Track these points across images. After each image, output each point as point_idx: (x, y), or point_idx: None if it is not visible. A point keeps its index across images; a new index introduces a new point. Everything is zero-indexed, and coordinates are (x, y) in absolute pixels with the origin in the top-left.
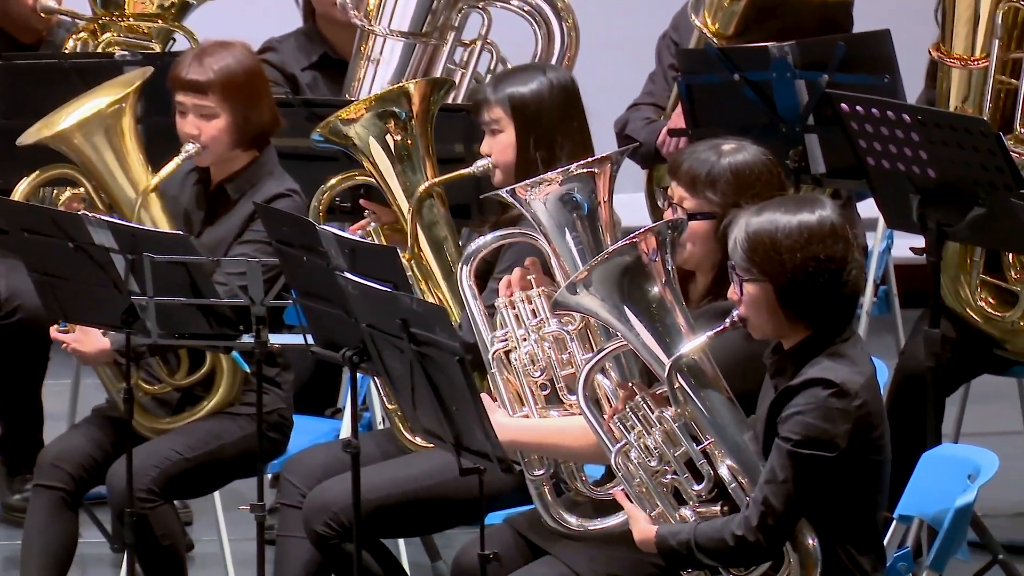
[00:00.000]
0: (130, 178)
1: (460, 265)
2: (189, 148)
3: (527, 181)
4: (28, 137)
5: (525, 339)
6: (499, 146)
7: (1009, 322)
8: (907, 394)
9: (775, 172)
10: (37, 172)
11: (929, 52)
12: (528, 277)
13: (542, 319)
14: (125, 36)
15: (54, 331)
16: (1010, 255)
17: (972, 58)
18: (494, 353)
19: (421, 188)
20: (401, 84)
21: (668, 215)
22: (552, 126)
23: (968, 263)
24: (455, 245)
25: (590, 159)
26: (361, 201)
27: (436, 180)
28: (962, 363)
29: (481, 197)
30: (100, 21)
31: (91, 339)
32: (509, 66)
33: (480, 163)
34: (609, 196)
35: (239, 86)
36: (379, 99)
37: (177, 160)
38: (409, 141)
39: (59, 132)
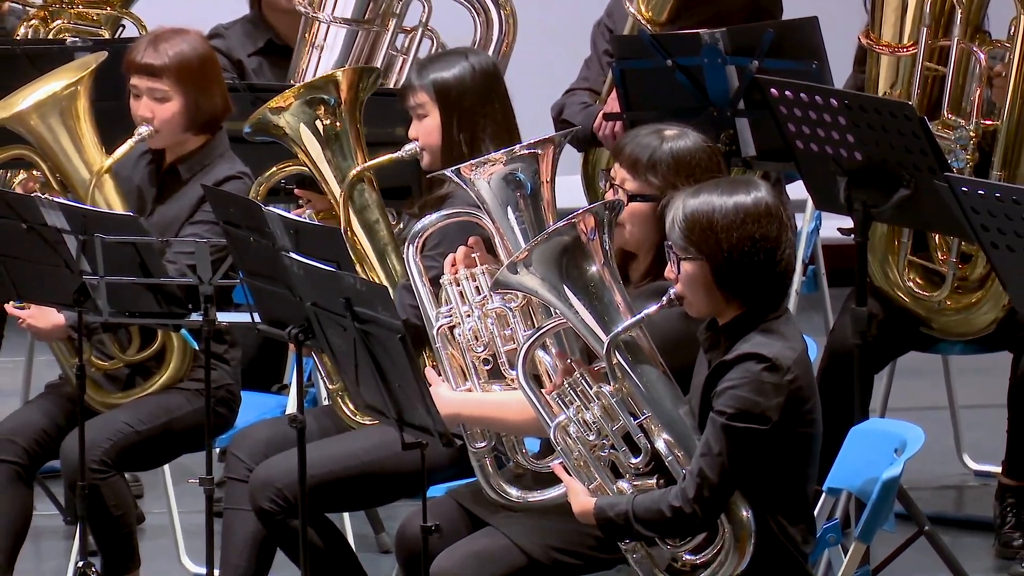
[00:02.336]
0: (84, 159)
1: (407, 244)
2: (143, 131)
3: (472, 161)
4: None
5: (469, 315)
6: (425, 130)
7: (936, 302)
8: (836, 371)
9: (715, 158)
10: None
11: (859, 39)
12: (472, 255)
13: (485, 296)
14: (75, 23)
15: (10, 307)
16: (937, 237)
17: (900, 45)
18: (439, 329)
19: (352, 173)
20: (329, 72)
21: (610, 196)
22: (474, 109)
23: (896, 244)
24: (387, 227)
25: (534, 140)
26: (296, 191)
27: (366, 165)
28: (890, 341)
29: (428, 176)
30: (50, 8)
31: (46, 316)
32: (434, 52)
33: (408, 147)
34: (552, 177)
35: (192, 71)
36: (308, 87)
37: (131, 142)
38: (339, 125)
39: (16, 113)
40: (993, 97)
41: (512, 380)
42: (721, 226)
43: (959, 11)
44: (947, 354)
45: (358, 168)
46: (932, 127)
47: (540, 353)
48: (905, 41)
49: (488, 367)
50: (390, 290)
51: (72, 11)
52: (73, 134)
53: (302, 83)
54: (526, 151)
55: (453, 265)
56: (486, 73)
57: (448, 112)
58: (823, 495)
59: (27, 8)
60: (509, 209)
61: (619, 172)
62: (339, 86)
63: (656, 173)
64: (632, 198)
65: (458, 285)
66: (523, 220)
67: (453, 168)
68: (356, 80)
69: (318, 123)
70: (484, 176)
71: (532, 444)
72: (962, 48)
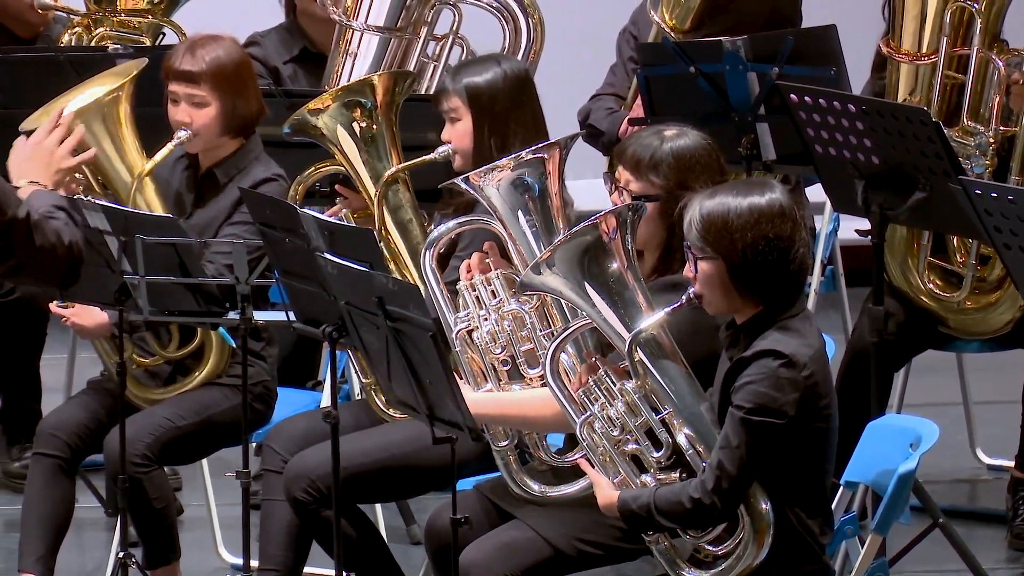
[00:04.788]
0: (126, 163)
1: (423, 251)
2: (181, 135)
3: (480, 169)
4: (30, 123)
5: (486, 318)
6: (457, 133)
7: (955, 302)
8: (857, 368)
9: (715, 156)
10: None
11: (879, 46)
12: (486, 260)
13: (501, 299)
14: (117, 31)
15: (54, 306)
16: (955, 239)
17: (920, 54)
18: (457, 333)
19: (386, 174)
20: (366, 76)
21: (615, 198)
22: (505, 114)
23: (916, 247)
24: (420, 227)
25: (538, 145)
26: (337, 187)
27: (400, 166)
28: (909, 340)
29: (439, 187)
30: (94, 16)
31: (90, 314)
32: (468, 58)
33: (441, 150)
34: (560, 180)
35: (228, 77)
36: (345, 90)
37: (170, 146)
38: (375, 128)
39: None
40: (1011, 104)
41: (531, 379)
42: (736, 226)
43: (978, 20)
44: (962, 352)
45: (393, 169)
46: (952, 133)
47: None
48: (924, 49)
49: (507, 368)
50: (421, 289)
51: (115, 19)
52: (115, 138)
53: (339, 86)
54: (532, 156)
55: (468, 271)
56: (517, 79)
57: (480, 116)
58: (841, 488)
59: (71, 16)
60: (520, 213)
61: (623, 174)
62: (375, 89)
63: (658, 173)
64: (636, 199)
65: (474, 290)
66: (533, 223)
67: (462, 176)
68: (392, 84)
69: (355, 125)
70: (493, 182)
71: (554, 440)
72: (981, 56)
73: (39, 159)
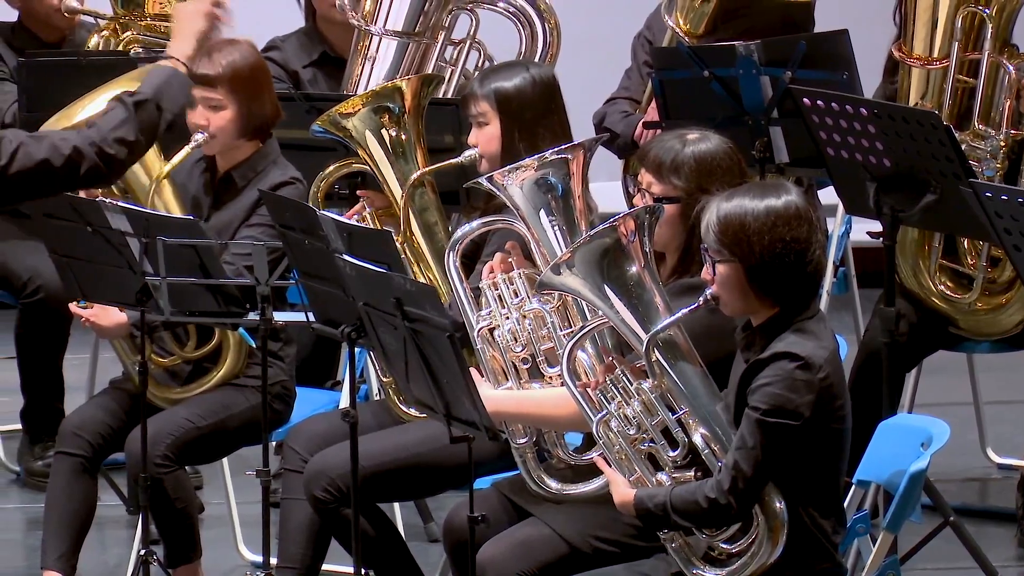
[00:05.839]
0: (144, 164)
1: (447, 251)
2: (198, 137)
3: (504, 168)
4: (50, 125)
5: (507, 317)
6: (485, 137)
7: (966, 303)
8: (869, 368)
9: (735, 159)
10: None
11: (891, 51)
12: (509, 260)
13: (523, 299)
14: (144, 34)
15: (74, 307)
16: (966, 242)
17: (931, 59)
18: (479, 331)
19: (413, 177)
20: (394, 81)
21: (638, 200)
22: (534, 119)
23: (927, 249)
24: (444, 229)
25: (563, 146)
26: (358, 192)
27: (427, 169)
28: (921, 341)
29: (464, 186)
30: (121, 20)
31: (108, 314)
32: (495, 63)
33: (468, 153)
34: (583, 181)
35: (244, 80)
36: (375, 95)
37: (187, 149)
38: (403, 134)
39: (78, 123)
40: (1021, 108)
41: (550, 378)
42: (753, 229)
43: (988, 25)
44: (973, 352)
45: (419, 172)
46: (963, 136)
47: (578, 352)
48: (935, 54)
49: (527, 366)
50: (444, 290)
51: (141, 23)
52: None
53: (369, 90)
54: (556, 156)
55: (491, 271)
56: (545, 84)
57: (508, 121)
58: (853, 487)
59: (98, 20)
60: (542, 212)
61: (645, 176)
62: (404, 94)
63: (680, 175)
64: (658, 200)
65: (496, 289)
66: (556, 223)
67: (487, 175)
68: (419, 88)
69: (383, 131)
70: (517, 182)
71: (572, 439)
72: (992, 61)
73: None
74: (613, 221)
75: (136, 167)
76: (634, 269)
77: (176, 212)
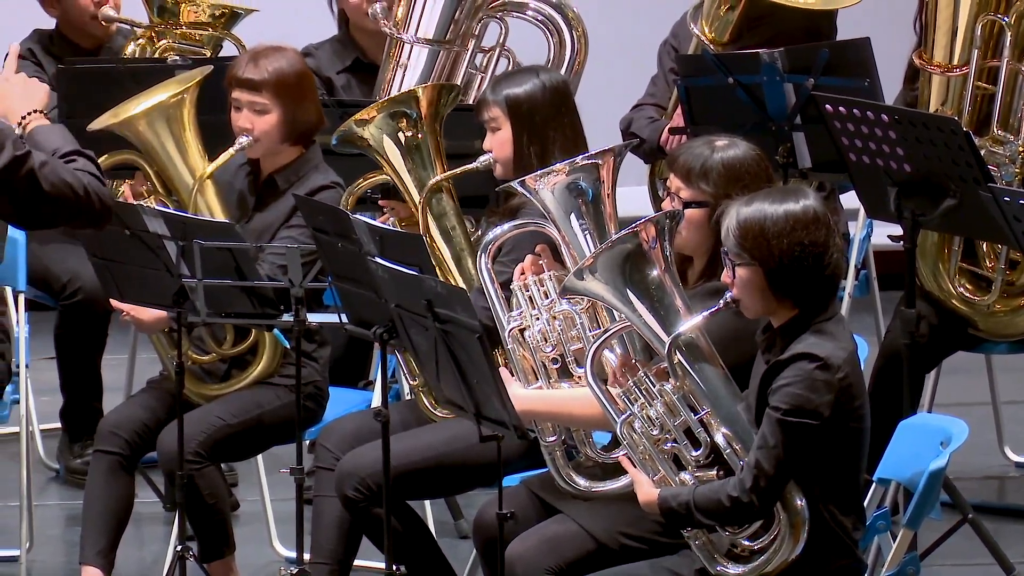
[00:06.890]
0: (188, 165)
1: (479, 253)
2: (243, 140)
3: (537, 172)
4: (99, 123)
5: (538, 318)
6: (498, 142)
7: (984, 305)
8: (890, 369)
9: (763, 165)
10: (104, 156)
11: (911, 58)
12: (539, 262)
13: (553, 300)
14: (179, 43)
15: (114, 301)
16: (985, 245)
17: (951, 66)
18: (510, 331)
19: (431, 182)
20: (411, 89)
21: (667, 204)
22: (544, 123)
23: (947, 252)
24: (463, 234)
25: (594, 151)
26: (380, 202)
27: (444, 175)
28: (940, 342)
29: (497, 189)
30: (156, 29)
31: (147, 308)
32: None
33: (482, 158)
34: (613, 185)
35: (289, 86)
36: (390, 102)
37: (231, 150)
38: (419, 138)
39: (126, 119)
40: None
41: (579, 377)
42: (772, 233)
43: (1008, 33)
44: (991, 353)
45: (436, 178)
46: (982, 142)
47: (606, 353)
48: (955, 61)
49: (556, 366)
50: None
51: (177, 32)
52: (178, 140)
53: (384, 98)
54: (587, 161)
55: (522, 273)
56: (556, 90)
57: (519, 126)
58: (873, 485)
59: (134, 28)
60: (573, 216)
61: (674, 181)
62: (419, 101)
63: (708, 181)
64: (687, 205)
65: (527, 290)
66: (586, 227)
67: (519, 179)
68: (436, 96)
69: (400, 135)
70: (548, 186)
71: (600, 437)
72: (1011, 68)
73: (15, 90)
74: (634, 227)
75: (180, 165)
76: (655, 273)
77: (218, 212)
